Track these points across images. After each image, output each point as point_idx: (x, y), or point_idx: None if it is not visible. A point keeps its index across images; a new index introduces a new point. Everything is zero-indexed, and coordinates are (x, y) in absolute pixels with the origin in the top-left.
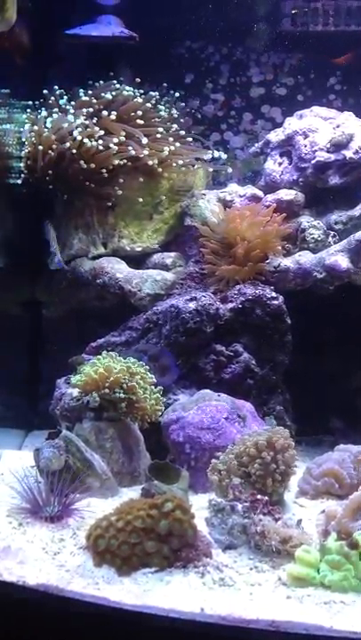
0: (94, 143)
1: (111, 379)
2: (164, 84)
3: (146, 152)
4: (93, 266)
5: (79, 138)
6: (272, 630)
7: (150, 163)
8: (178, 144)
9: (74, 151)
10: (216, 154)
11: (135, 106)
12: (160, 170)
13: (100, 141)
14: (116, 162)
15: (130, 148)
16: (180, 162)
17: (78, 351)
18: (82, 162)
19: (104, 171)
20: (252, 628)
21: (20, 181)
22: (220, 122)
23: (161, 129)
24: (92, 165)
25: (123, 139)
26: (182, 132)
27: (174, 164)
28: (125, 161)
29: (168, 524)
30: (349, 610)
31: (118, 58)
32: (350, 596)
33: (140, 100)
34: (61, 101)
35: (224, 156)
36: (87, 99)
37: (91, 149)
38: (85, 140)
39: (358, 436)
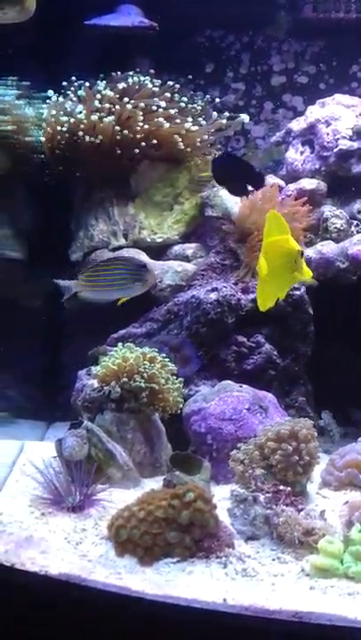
0: (108, 119)
1: (127, 367)
2: (189, 76)
3: (167, 125)
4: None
5: (84, 115)
6: (295, 621)
7: (177, 141)
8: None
9: (92, 139)
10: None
11: (148, 92)
12: (187, 149)
13: (112, 117)
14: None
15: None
16: (205, 137)
17: (99, 343)
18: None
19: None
20: (275, 618)
21: (39, 172)
22: (241, 111)
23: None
24: (118, 151)
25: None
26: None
27: (198, 143)
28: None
29: (190, 514)
30: None
31: (138, 48)
32: None
33: (155, 88)
34: (80, 92)
35: (246, 118)
36: (102, 89)
37: (101, 126)
38: (94, 117)
39: None
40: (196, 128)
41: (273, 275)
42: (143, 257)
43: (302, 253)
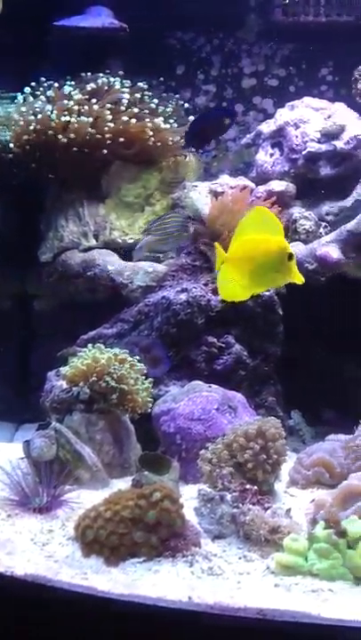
0: (74, 119)
1: (98, 368)
2: (160, 78)
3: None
4: (84, 258)
5: (55, 116)
6: (260, 618)
7: (148, 136)
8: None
9: (62, 138)
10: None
11: (115, 92)
12: (158, 144)
13: (82, 117)
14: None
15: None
16: (177, 138)
17: (69, 344)
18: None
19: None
20: (239, 616)
21: (9, 172)
22: None
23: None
24: (86, 150)
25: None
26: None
27: (170, 142)
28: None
29: (156, 513)
30: (337, 598)
31: (109, 49)
32: (338, 584)
33: (125, 89)
34: (48, 92)
35: None
36: (71, 89)
37: (74, 125)
38: (65, 118)
39: (350, 426)
40: (167, 126)
41: (257, 272)
42: (114, 258)
43: (291, 256)
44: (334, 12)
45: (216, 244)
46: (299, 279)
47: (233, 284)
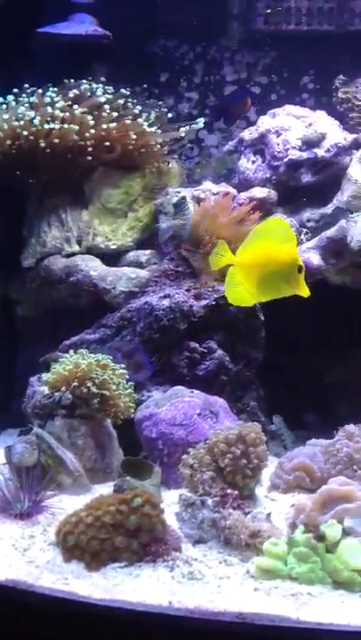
0: (57, 125)
1: (79, 373)
2: (144, 85)
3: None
4: (67, 264)
5: (38, 122)
6: (239, 622)
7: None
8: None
9: (44, 144)
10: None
11: (95, 101)
12: (142, 150)
13: (64, 124)
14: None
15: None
16: (160, 141)
17: (52, 349)
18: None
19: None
20: (219, 620)
21: None
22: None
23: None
24: (69, 156)
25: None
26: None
27: (155, 148)
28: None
29: (137, 519)
30: (316, 601)
31: (92, 56)
32: (317, 588)
33: (107, 96)
34: (32, 99)
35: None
36: (54, 95)
37: (57, 132)
38: (46, 125)
39: (331, 431)
40: (151, 129)
41: (264, 280)
42: (97, 263)
43: (301, 268)
44: (315, 22)
45: (221, 242)
46: (305, 292)
47: (241, 289)
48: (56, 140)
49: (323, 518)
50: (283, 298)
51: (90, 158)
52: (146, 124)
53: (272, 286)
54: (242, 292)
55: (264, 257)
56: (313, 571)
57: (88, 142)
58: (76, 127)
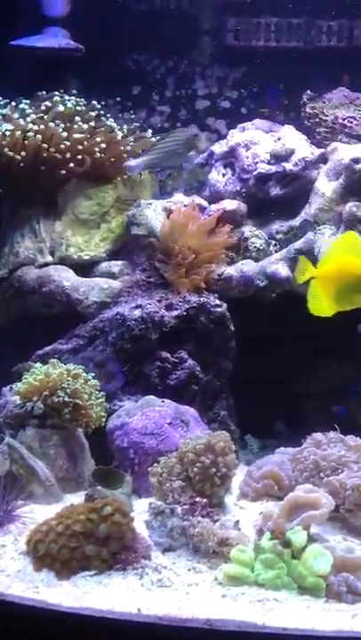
0: (30, 134)
1: (50, 383)
2: (117, 98)
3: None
4: (40, 274)
5: (8, 131)
6: (207, 628)
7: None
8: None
9: (16, 156)
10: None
11: (70, 112)
12: (110, 163)
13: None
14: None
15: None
16: (128, 148)
17: (25, 359)
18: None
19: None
20: (187, 626)
21: None
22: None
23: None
24: (42, 168)
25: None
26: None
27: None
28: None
29: (107, 527)
30: (282, 607)
31: (65, 69)
32: (283, 594)
33: (79, 107)
34: (4, 111)
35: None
36: (26, 107)
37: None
38: (18, 134)
39: (300, 439)
40: (124, 137)
41: (343, 291)
42: (70, 274)
43: None
44: (284, 38)
45: (302, 257)
46: None
47: (323, 300)
48: (26, 153)
49: (289, 525)
50: (252, 308)
51: (64, 172)
52: (120, 134)
53: (349, 297)
54: (323, 304)
55: (343, 271)
56: (279, 577)
57: (59, 155)
58: (40, 137)
